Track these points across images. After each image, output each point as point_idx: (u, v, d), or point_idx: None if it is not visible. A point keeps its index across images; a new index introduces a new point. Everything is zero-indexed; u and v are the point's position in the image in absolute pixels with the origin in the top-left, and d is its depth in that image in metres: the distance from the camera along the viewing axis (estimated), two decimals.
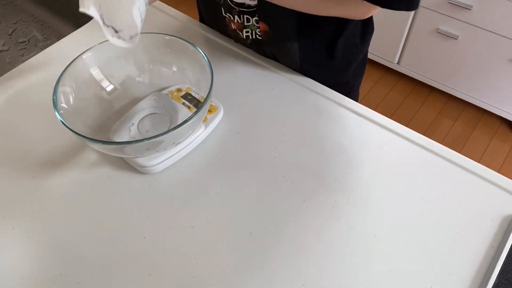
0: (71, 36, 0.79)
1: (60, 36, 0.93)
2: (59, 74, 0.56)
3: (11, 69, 0.73)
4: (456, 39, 1.60)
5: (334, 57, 0.73)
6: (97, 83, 0.62)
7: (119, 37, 0.48)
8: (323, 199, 0.57)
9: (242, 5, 0.66)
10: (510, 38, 1.49)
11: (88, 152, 0.62)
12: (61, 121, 0.52)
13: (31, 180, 0.59)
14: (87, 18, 0.82)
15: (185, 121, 0.52)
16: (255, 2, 0.64)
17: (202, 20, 0.84)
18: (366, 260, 0.52)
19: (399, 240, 0.54)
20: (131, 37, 0.49)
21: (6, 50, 0.95)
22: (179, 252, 0.53)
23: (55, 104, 0.54)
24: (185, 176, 0.60)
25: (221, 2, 0.68)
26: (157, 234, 0.54)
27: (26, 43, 0.96)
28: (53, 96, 0.54)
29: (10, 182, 0.59)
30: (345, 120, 0.66)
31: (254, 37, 0.71)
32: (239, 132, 0.65)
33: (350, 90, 0.83)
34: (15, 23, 0.98)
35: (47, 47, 0.77)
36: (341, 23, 0.69)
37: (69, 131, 0.51)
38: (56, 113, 0.53)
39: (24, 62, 0.74)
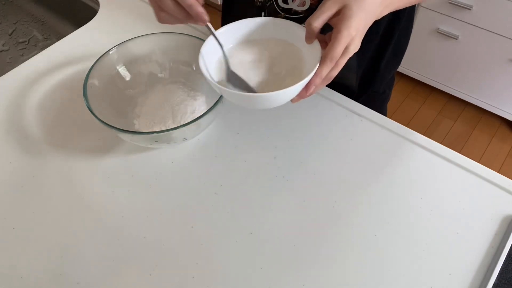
0: (71, 36, 0.79)
1: (60, 36, 0.93)
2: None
3: (11, 69, 0.73)
4: (456, 39, 1.60)
5: (379, 69, 0.73)
6: (122, 79, 0.64)
7: None
8: (323, 199, 0.57)
9: (289, 10, 0.63)
10: (510, 38, 1.49)
11: (88, 153, 0.62)
12: (90, 111, 0.54)
13: (31, 180, 0.59)
14: (87, 18, 0.82)
15: (197, 119, 0.53)
16: (304, 8, 0.61)
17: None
18: (366, 260, 0.52)
19: (399, 240, 0.54)
20: None
21: (6, 50, 0.95)
22: (179, 252, 0.53)
23: (85, 94, 0.56)
24: (185, 176, 0.60)
25: (267, 5, 0.65)
26: (157, 234, 0.54)
27: (26, 43, 0.96)
28: (83, 88, 0.56)
29: (10, 182, 0.59)
30: (345, 120, 0.66)
31: None
32: (239, 132, 0.65)
33: (385, 99, 0.83)
34: (15, 23, 0.98)
35: (47, 47, 0.77)
36: (388, 34, 0.68)
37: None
38: (86, 102, 0.55)
39: (24, 62, 0.74)
